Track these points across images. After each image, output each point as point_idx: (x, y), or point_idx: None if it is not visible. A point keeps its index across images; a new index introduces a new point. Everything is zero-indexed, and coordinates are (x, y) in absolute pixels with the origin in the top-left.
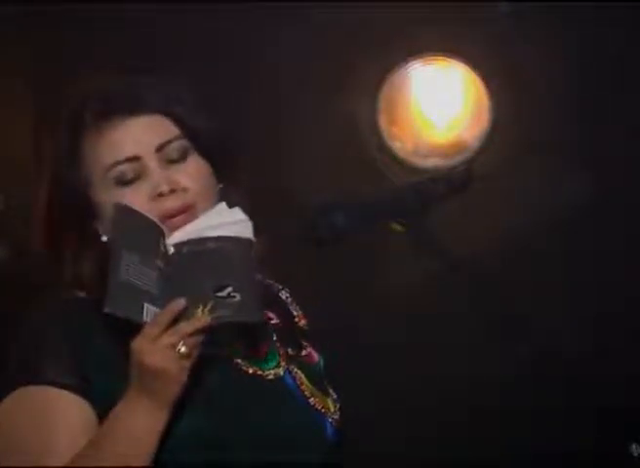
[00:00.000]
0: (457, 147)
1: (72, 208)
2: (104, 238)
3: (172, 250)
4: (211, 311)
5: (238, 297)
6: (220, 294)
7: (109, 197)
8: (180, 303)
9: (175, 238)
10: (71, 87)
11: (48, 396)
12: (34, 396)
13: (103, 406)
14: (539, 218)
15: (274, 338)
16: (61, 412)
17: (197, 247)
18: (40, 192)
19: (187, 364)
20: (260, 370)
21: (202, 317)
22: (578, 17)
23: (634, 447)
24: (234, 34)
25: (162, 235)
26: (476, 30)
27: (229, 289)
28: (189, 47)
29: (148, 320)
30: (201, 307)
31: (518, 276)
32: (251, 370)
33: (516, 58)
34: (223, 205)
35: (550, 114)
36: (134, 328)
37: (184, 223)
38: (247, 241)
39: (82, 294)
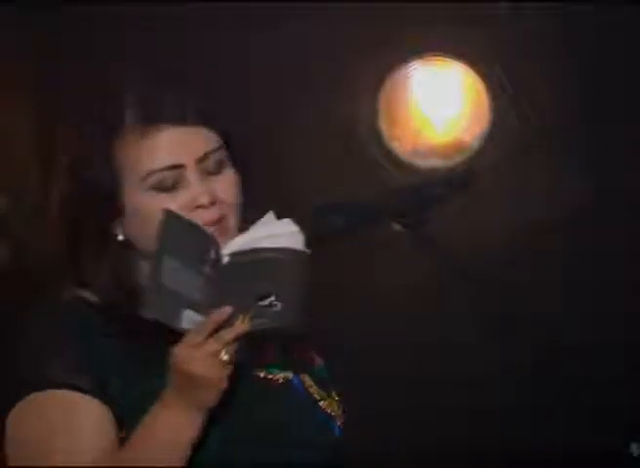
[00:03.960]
0: (456, 147)
1: (94, 207)
2: (121, 237)
3: (226, 258)
4: (250, 319)
5: (279, 306)
6: (261, 303)
7: (143, 200)
8: (225, 311)
9: (229, 247)
10: (105, 88)
11: (64, 399)
12: (50, 399)
13: (118, 406)
14: (538, 218)
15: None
16: (79, 415)
17: (250, 256)
18: (55, 191)
19: (229, 371)
20: (271, 373)
21: (242, 324)
22: (578, 17)
23: (634, 447)
24: (234, 34)
25: (214, 243)
26: (476, 30)
27: (272, 297)
28: (189, 47)
29: (186, 326)
30: (242, 316)
31: (518, 276)
32: (262, 375)
33: (516, 59)
34: (272, 215)
35: (550, 114)
36: (149, 330)
37: (219, 234)
38: (302, 253)
39: (90, 295)
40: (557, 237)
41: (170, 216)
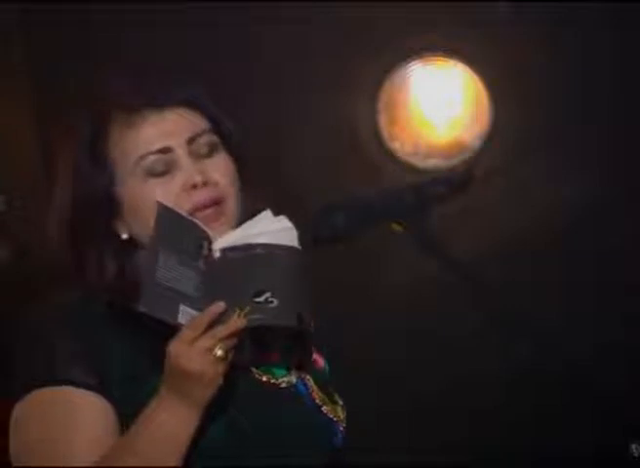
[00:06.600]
0: (457, 147)
1: (96, 205)
2: (125, 236)
3: (217, 253)
4: (247, 315)
5: (275, 303)
6: (257, 299)
7: (139, 189)
8: (219, 306)
9: (221, 242)
10: (97, 86)
11: (67, 396)
12: (53, 397)
13: (122, 404)
14: (539, 218)
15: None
16: (82, 412)
17: (244, 252)
18: (59, 191)
19: (223, 367)
20: (274, 377)
21: (238, 320)
22: (578, 17)
23: (634, 447)
24: (234, 34)
25: (207, 238)
26: (476, 30)
27: (267, 294)
28: (189, 46)
29: (183, 321)
30: (238, 311)
31: (518, 276)
32: (264, 378)
33: (516, 59)
34: (269, 212)
35: (550, 114)
36: (152, 326)
37: (215, 216)
38: (296, 249)
39: (98, 293)
40: (557, 237)
41: (163, 210)
